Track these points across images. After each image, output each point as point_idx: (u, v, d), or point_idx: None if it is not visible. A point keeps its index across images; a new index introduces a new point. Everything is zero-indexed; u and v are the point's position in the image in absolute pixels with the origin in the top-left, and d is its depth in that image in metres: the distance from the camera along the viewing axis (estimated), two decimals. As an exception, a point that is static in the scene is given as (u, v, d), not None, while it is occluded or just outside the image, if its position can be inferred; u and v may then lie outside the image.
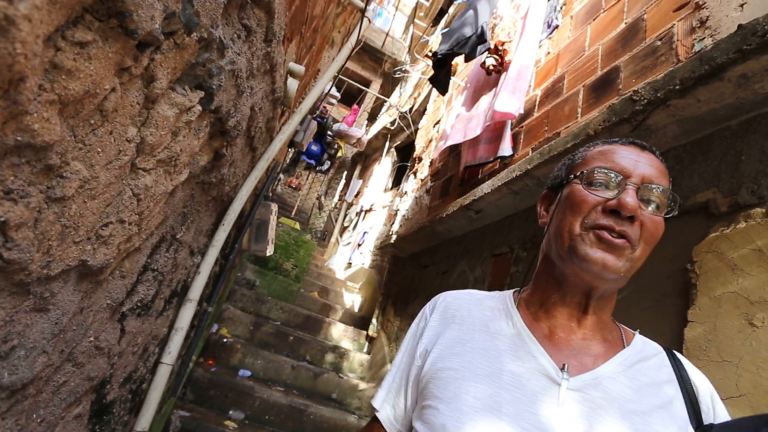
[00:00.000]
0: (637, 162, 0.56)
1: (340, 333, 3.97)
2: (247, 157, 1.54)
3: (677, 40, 1.46)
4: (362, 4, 1.80)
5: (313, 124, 2.63)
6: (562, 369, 0.52)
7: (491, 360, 0.54)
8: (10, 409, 0.55)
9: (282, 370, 3.14)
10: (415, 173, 4.59)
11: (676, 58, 1.42)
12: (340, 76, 3.52)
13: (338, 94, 5.33)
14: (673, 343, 1.10)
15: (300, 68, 1.48)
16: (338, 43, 2.61)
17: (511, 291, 0.66)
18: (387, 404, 0.63)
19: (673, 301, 1.18)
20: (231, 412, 2.64)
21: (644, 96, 1.22)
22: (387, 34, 5.69)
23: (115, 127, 0.58)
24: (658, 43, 1.55)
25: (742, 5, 1.25)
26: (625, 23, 1.81)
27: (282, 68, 1.37)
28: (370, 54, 8.07)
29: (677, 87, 1.12)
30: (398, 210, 4.60)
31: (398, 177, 6.66)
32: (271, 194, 3.00)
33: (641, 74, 1.55)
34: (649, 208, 0.54)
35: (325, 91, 3.68)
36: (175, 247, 1.14)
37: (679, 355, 0.59)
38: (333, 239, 8.68)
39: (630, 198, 0.52)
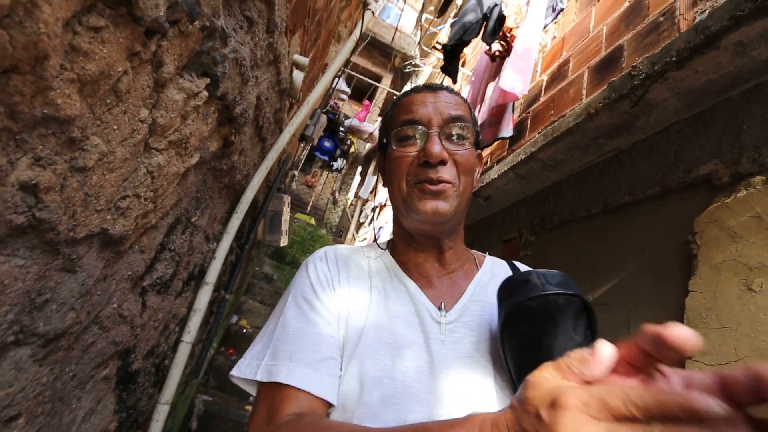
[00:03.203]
0: (435, 104, 0.61)
1: (355, 324, 4.04)
2: (257, 147, 1.61)
3: (679, 14, 1.44)
4: (364, -4, 1.85)
5: (323, 118, 2.69)
6: (440, 308, 0.59)
7: (383, 310, 0.59)
8: (46, 358, 0.63)
9: (299, 359, 3.23)
10: (426, 166, 4.61)
11: (678, 33, 1.40)
12: (349, 71, 3.58)
13: (348, 90, 5.40)
14: (674, 313, 1.11)
15: (304, 60, 1.54)
16: (345, 38, 2.66)
17: (384, 242, 0.72)
18: (314, 373, 0.51)
19: (675, 275, 1.18)
20: (251, 397, 2.75)
21: (642, 70, 1.22)
22: (396, 29, 5.72)
23: (129, 107, 0.65)
24: (661, 19, 1.53)
25: (743, -26, 1.23)
26: (629, 1, 1.80)
27: (286, 60, 1.43)
28: (379, 50, 8.10)
29: (674, 59, 1.12)
30: (411, 203, 4.63)
31: (411, 171, 6.66)
32: (283, 187, 3.09)
33: (644, 51, 1.54)
34: (456, 144, 0.60)
35: (334, 85, 3.74)
36: (190, 230, 1.21)
37: (518, 264, 0.70)
38: (349, 235, 8.77)
39: (435, 146, 0.58)
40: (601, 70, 1.80)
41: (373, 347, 0.54)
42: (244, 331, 3.21)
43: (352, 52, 2.01)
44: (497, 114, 2.43)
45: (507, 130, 2.23)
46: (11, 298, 0.52)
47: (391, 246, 0.70)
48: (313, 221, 5.69)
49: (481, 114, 2.64)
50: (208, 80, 0.86)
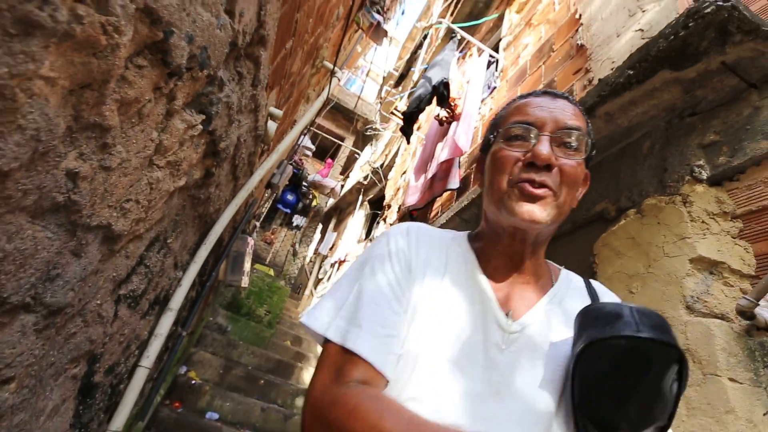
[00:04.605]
0: (552, 110, 0.59)
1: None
2: (230, 184, 1.77)
3: (576, 94, 1.88)
4: (331, 66, 2.20)
5: (289, 169, 2.92)
6: (507, 315, 0.57)
7: (449, 302, 0.58)
8: (44, 330, 0.71)
9: (251, 413, 3.07)
10: (384, 219, 4.89)
11: (575, 107, 1.83)
12: (315, 130, 3.90)
13: (313, 147, 5.77)
14: (584, 321, 1.34)
15: (278, 112, 1.79)
16: (313, 99, 3.01)
17: (466, 233, 0.70)
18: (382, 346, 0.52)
19: (585, 291, 1.44)
20: (195, 455, 2.55)
21: (547, 131, 1.58)
22: (359, 98, 6.37)
23: (146, 128, 0.82)
24: (565, 97, 1.98)
25: (612, 68, 1.69)
26: (543, 84, 2.28)
27: (264, 110, 1.67)
28: (343, 114, 8.80)
29: (568, 123, 1.48)
30: (370, 253, 4.80)
31: (371, 228, 6.95)
32: (247, 230, 3.18)
33: (554, 120, 1.96)
34: (567, 153, 0.57)
35: (300, 141, 4.05)
36: (164, 251, 1.31)
37: (594, 282, 0.68)
38: (307, 291, 8.63)
39: (544, 148, 0.55)
40: (525, 134, 2.21)
41: (432, 336, 0.54)
42: (193, 382, 3.04)
43: (319, 112, 2.31)
44: (446, 169, 2.79)
45: (454, 183, 2.57)
46: (37, 263, 0.63)
47: (472, 239, 0.68)
48: (271, 272, 5.64)
49: (431, 169, 3.00)
50: (203, 117, 1.06)
